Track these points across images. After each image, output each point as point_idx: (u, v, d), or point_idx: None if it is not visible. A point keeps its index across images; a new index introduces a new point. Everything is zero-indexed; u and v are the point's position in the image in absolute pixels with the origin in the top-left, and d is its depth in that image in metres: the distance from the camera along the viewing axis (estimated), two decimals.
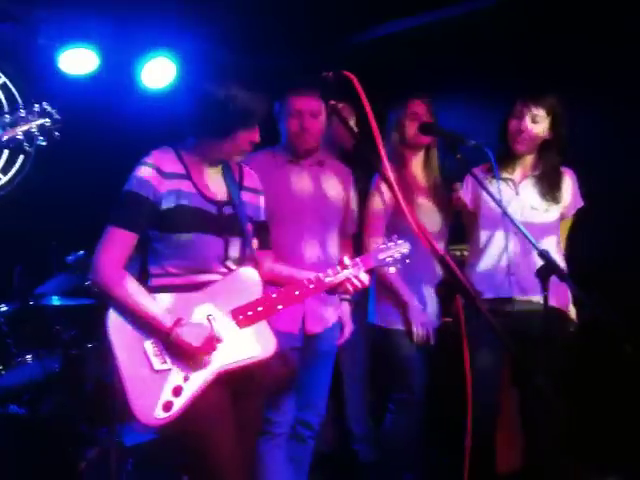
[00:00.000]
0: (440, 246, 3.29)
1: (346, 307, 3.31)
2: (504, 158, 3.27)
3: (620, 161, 3.97)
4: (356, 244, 3.35)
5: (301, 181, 3.16)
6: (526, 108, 3.20)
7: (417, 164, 3.41)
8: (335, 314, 3.24)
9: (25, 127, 2.29)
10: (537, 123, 3.20)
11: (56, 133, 2.33)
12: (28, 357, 3.56)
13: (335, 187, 3.24)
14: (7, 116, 2.28)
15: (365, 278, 2.54)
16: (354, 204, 3.34)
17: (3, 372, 3.50)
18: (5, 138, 2.28)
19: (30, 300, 3.69)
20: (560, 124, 3.23)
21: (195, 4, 4.34)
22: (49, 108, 2.32)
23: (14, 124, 2.28)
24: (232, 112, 2.36)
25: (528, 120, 3.20)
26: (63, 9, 4.37)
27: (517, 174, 3.29)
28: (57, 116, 2.33)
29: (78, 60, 4.61)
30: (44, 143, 2.32)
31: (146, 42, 4.84)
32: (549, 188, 3.24)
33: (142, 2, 4.24)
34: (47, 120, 2.31)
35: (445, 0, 4.40)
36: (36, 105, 2.31)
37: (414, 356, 3.25)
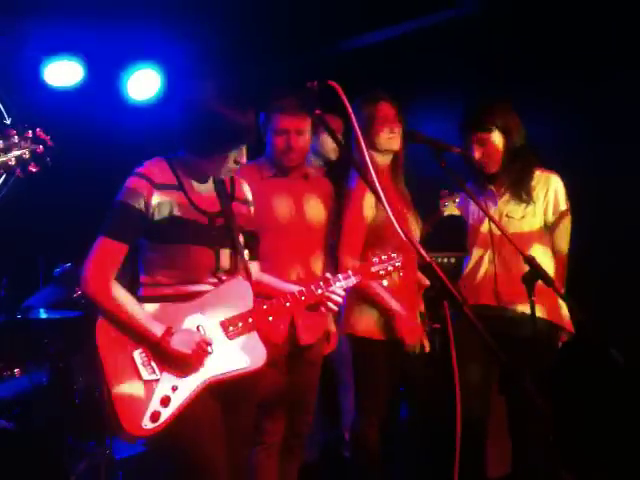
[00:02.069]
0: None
1: (331, 317, 3.29)
2: (481, 175, 3.34)
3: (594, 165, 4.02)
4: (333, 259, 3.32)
5: (284, 200, 3.14)
6: (472, 136, 3.27)
7: (386, 170, 3.33)
8: (323, 324, 3.24)
9: (17, 153, 2.27)
10: (485, 144, 3.25)
11: (48, 159, 2.31)
12: (16, 371, 3.54)
13: (317, 206, 3.22)
14: (0, 142, 2.26)
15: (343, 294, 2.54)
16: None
17: None
18: None
19: (17, 313, 3.67)
20: (511, 132, 3.25)
21: (179, 15, 4.36)
22: (43, 135, 2.30)
23: (7, 150, 2.26)
24: (217, 133, 2.36)
25: (477, 147, 3.26)
26: (48, 21, 4.37)
27: (496, 186, 3.33)
28: (51, 143, 2.30)
29: (63, 72, 4.63)
30: (35, 170, 2.29)
31: (131, 53, 4.85)
32: (517, 190, 3.26)
33: (127, 14, 4.25)
34: (40, 147, 2.29)
35: (420, 11, 4.48)
36: (30, 131, 2.29)
37: (387, 367, 3.23)
